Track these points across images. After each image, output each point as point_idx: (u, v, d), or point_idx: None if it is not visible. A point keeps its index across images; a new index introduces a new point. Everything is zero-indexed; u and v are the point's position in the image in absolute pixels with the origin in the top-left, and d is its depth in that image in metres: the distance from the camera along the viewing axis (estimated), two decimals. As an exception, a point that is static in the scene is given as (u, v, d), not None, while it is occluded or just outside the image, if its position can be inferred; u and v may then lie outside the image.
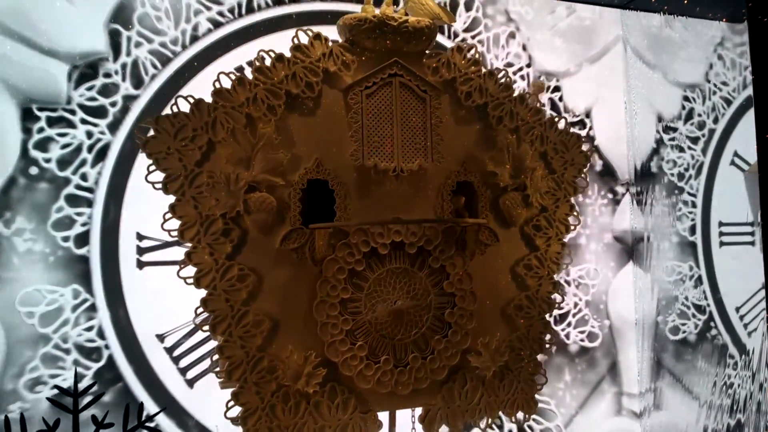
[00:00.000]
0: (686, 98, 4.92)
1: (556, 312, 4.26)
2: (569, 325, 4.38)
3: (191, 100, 1.98)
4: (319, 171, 2.11)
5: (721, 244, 5.03)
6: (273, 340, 2.04)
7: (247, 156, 2.00)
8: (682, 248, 4.87)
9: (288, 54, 2.09)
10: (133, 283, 3.31)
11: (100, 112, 3.28)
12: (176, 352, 3.37)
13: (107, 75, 3.30)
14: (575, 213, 2.47)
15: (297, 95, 2.09)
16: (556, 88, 4.42)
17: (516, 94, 2.37)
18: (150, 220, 3.28)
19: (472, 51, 2.32)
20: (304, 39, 2.12)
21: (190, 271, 1.98)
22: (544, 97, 4.40)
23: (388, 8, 2.21)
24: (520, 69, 4.30)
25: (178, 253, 3.21)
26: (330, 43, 2.15)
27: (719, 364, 4.95)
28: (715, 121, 5.05)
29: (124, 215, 3.32)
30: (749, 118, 5.09)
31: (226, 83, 2.02)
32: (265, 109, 2.03)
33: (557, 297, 2.43)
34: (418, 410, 2.25)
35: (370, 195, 2.16)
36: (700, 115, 4.98)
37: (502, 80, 2.35)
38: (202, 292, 1.99)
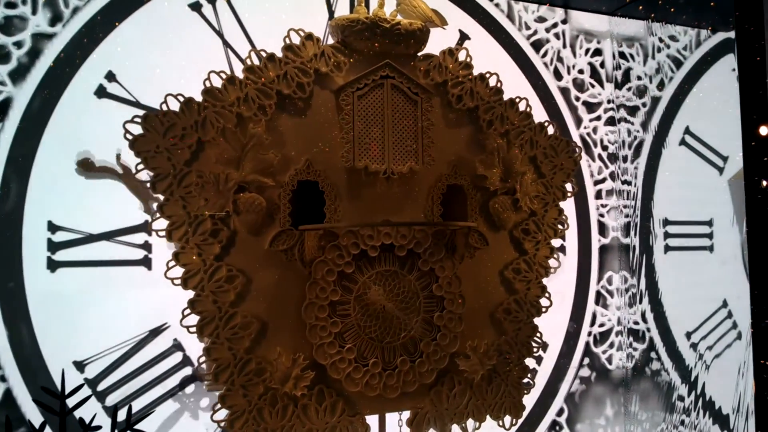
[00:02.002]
0: (621, 55, 3.82)
1: (596, 330, 3.59)
2: (611, 346, 3.64)
3: (181, 99, 1.96)
4: (309, 172, 2.09)
5: (668, 248, 3.89)
6: (261, 343, 2.02)
7: (237, 156, 1.99)
8: (613, 254, 3.79)
9: (279, 54, 2.08)
10: (42, 290, 2.56)
11: (-1, 55, 2.52)
12: (101, 386, 2.63)
13: (11, 5, 2.55)
14: (564, 217, 2.48)
15: (288, 95, 2.07)
16: (597, 52, 3.67)
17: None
18: (67, 204, 2.59)
19: (463, 54, 2.32)
20: (296, 39, 2.11)
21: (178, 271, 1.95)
22: (583, 61, 3.57)
23: (380, 10, 2.21)
24: (554, 26, 3.58)
25: (104, 250, 2.65)
26: (322, 44, 2.15)
27: (665, 408, 3.78)
28: (661, 86, 3.93)
29: (31, 198, 2.54)
30: (705, 83, 4.05)
31: (217, 82, 2.00)
32: (255, 109, 2.02)
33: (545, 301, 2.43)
34: (406, 413, 2.24)
35: (360, 197, 2.15)
36: (640, 78, 3.86)
37: (493, 84, 2.36)
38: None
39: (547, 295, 2.43)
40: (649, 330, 3.84)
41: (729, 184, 4.20)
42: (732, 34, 3.92)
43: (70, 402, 1.68)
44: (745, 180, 3.28)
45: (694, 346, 3.94)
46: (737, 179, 4.20)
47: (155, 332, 2.78)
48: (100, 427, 1.63)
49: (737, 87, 3.91)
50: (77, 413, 1.66)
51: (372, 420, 2.19)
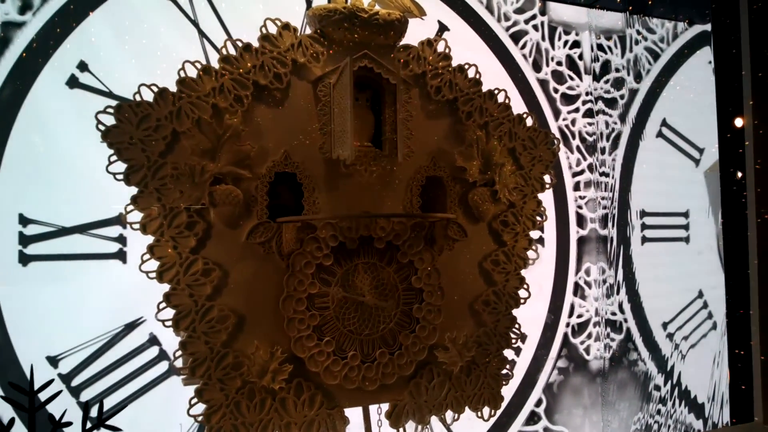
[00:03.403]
0: (600, 47, 3.77)
1: (574, 321, 3.62)
2: (589, 336, 3.63)
3: (155, 89, 1.92)
4: (287, 164, 2.07)
5: (645, 240, 3.89)
6: (238, 336, 2.00)
7: (213, 147, 1.96)
8: (591, 245, 3.78)
9: (256, 44, 2.05)
10: (14, 284, 2.49)
11: (-35, 45, 2.41)
12: (75, 381, 2.57)
13: (-22, -6, 2.42)
14: (542, 209, 2.49)
15: (265, 86, 2.04)
16: (576, 44, 3.62)
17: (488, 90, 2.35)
18: (39, 196, 2.52)
19: (442, 45, 2.31)
20: (272, 29, 2.08)
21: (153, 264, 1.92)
22: (562, 53, 3.56)
23: (358, 0, 2.19)
24: (533, 17, 3.54)
25: (78, 243, 2.60)
26: (299, 34, 2.12)
27: (642, 398, 3.77)
28: (638, 78, 3.89)
29: (1, 190, 2.48)
30: (682, 76, 4.04)
31: (192, 72, 1.96)
32: (232, 100, 1.99)
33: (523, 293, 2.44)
34: (385, 406, 2.23)
35: (338, 189, 2.13)
36: (617, 70, 3.82)
37: (472, 75, 2.35)
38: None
39: (525, 286, 2.43)
40: (626, 321, 3.84)
41: (705, 176, 4.20)
42: (708, 27, 3.95)
43: (42, 398, 1.64)
44: (720, 171, 3.31)
45: (670, 336, 3.94)
46: (713, 171, 4.20)
47: (131, 326, 2.73)
48: (70, 423, 1.60)
49: (713, 79, 3.94)
50: (50, 409, 1.62)
51: (356, 412, 2.18)
